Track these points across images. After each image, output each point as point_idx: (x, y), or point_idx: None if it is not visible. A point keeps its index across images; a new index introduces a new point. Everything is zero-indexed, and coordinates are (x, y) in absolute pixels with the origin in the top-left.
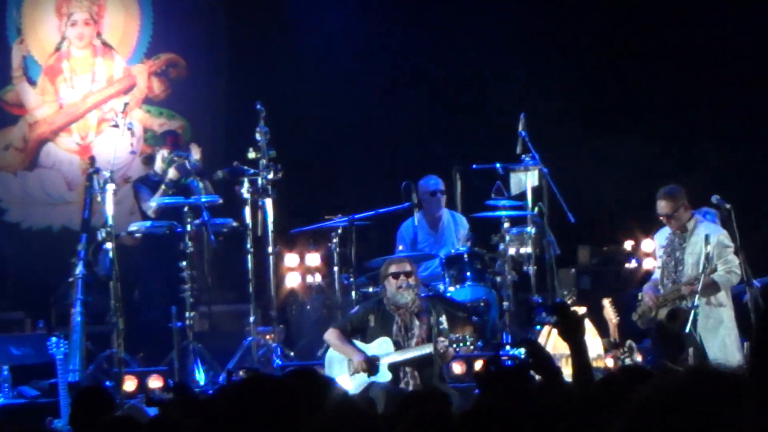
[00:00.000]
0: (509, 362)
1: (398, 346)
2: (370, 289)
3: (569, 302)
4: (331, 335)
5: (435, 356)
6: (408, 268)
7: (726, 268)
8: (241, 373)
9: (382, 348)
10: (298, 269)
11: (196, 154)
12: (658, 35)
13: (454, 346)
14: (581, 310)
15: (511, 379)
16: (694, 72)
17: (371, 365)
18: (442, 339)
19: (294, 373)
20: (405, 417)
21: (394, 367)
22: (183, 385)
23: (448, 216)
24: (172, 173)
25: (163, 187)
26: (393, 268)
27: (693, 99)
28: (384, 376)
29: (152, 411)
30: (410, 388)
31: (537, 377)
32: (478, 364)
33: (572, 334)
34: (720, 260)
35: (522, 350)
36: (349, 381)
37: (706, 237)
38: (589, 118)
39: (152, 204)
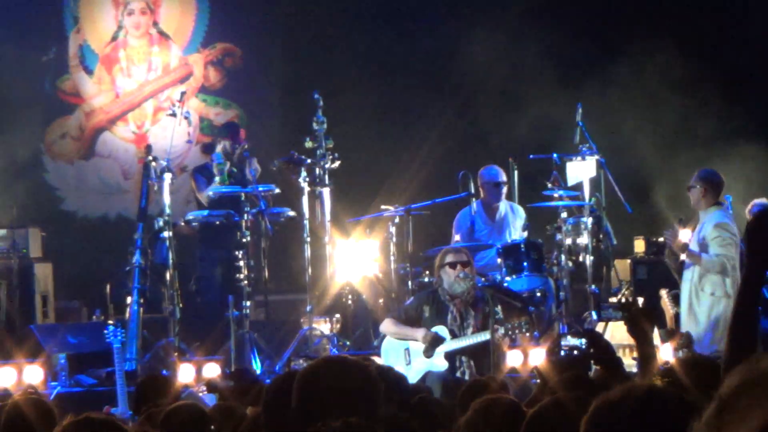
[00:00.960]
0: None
1: (454, 336)
2: (426, 279)
3: (626, 293)
4: (387, 325)
5: (491, 344)
6: (465, 258)
7: (717, 252)
8: (300, 361)
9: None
10: (355, 259)
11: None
12: (720, 20)
13: (510, 334)
14: (639, 301)
15: (572, 369)
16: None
17: (437, 337)
18: (496, 327)
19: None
20: (466, 406)
21: (450, 356)
22: (243, 371)
23: (505, 206)
24: (218, 149)
25: (218, 178)
26: (450, 258)
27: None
28: (440, 364)
29: (210, 399)
30: (466, 377)
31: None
32: (535, 355)
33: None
34: (714, 243)
35: (582, 341)
36: (405, 371)
37: (712, 222)
38: (643, 107)
39: (209, 193)
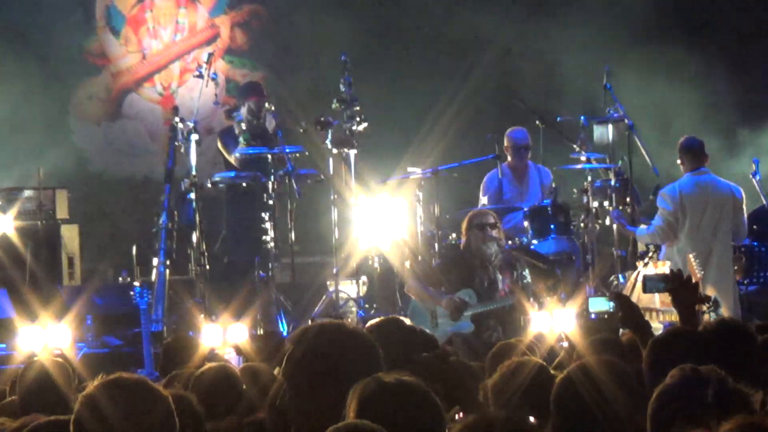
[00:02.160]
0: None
1: (481, 298)
2: (454, 241)
3: (654, 256)
4: (413, 287)
5: (517, 309)
6: (492, 219)
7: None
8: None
9: (465, 299)
10: (381, 221)
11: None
12: None
13: (540, 298)
14: (666, 264)
15: (599, 332)
16: None
17: (461, 304)
18: (526, 293)
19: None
20: (493, 369)
21: (476, 318)
22: (270, 333)
23: (533, 168)
24: (244, 116)
25: (241, 139)
26: (477, 220)
27: None
28: (467, 326)
29: (237, 361)
30: (492, 339)
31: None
32: (563, 317)
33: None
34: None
35: (611, 303)
36: (432, 332)
37: None
38: (673, 70)
39: (236, 154)
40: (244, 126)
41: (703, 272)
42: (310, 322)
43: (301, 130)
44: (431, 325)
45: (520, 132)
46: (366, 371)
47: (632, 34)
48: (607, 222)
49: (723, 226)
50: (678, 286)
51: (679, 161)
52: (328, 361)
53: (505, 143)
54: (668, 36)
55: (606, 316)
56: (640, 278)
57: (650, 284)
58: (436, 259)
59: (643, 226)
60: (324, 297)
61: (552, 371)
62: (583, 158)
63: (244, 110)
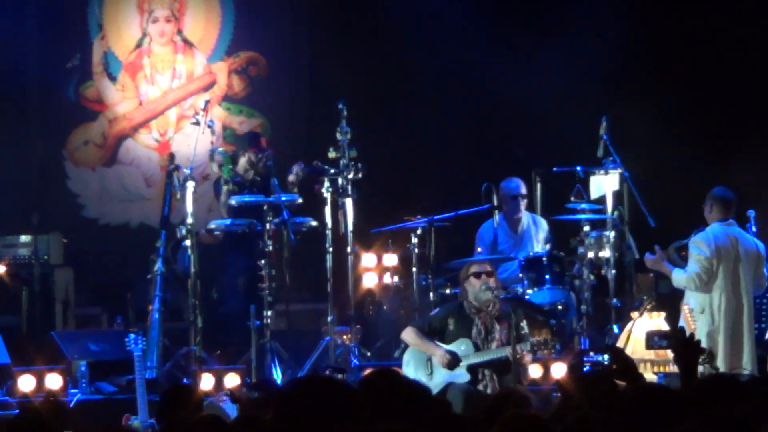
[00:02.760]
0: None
1: (478, 349)
2: (448, 291)
3: (648, 307)
4: (409, 333)
5: (512, 360)
6: (489, 268)
7: (686, 268)
8: (326, 372)
9: (461, 349)
10: (377, 269)
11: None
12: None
13: (535, 350)
14: (661, 316)
15: (595, 385)
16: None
17: (455, 359)
18: (522, 345)
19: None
20: (489, 422)
21: (472, 369)
22: (265, 381)
23: (528, 218)
24: (242, 165)
25: (225, 186)
26: (474, 268)
27: None
28: (463, 376)
29: (231, 408)
30: (488, 390)
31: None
32: (557, 368)
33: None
34: (689, 258)
35: (605, 356)
36: (427, 382)
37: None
38: (669, 121)
39: (232, 202)
40: (222, 170)
41: (696, 325)
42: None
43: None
44: (426, 373)
45: (514, 182)
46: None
47: (629, 80)
48: (603, 272)
49: (749, 277)
50: (681, 344)
51: (706, 207)
52: (315, 417)
53: (501, 193)
54: (665, 81)
55: (601, 368)
56: (634, 329)
57: (653, 341)
58: (431, 309)
59: (680, 269)
60: (319, 344)
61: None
62: (579, 208)
63: (243, 160)
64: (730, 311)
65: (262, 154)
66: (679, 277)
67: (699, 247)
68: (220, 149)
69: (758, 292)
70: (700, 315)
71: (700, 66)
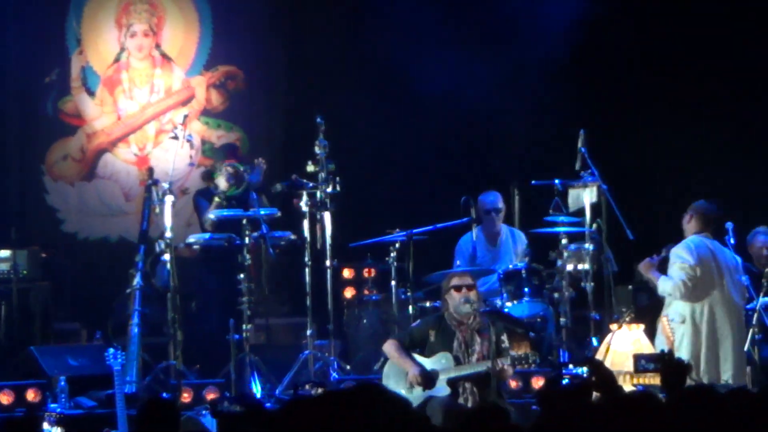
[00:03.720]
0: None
1: (458, 362)
2: (428, 304)
3: (627, 320)
4: (389, 346)
5: (492, 374)
6: (470, 281)
7: (669, 275)
8: (307, 386)
9: (441, 363)
10: (356, 283)
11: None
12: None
13: (516, 364)
14: (640, 328)
15: (573, 398)
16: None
17: (428, 379)
18: (501, 361)
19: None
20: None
21: (453, 383)
22: (249, 397)
23: (506, 232)
24: (222, 184)
25: (216, 199)
26: (455, 281)
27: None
28: (443, 390)
29: (210, 423)
30: (469, 404)
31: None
32: (537, 381)
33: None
34: (670, 267)
35: (584, 369)
36: (407, 395)
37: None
38: (646, 134)
39: (210, 216)
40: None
41: (676, 335)
42: (293, 390)
43: (275, 192)
44: (406, 387)
45: (491, 195)
46: None
47: (607, 93)
48: (582, 284)
49: (733, 288)
50: (669, 368)
51: (686, 217)
52: None
53: (478, 207)
54: (644, 94)
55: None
56: (613, 341)
57: (640, 365)
58: (411, 322)
59: (667, 277)
60: (298, 358)
61: None
62: (557, 221)
63: (221, 178)
64: (712, 322)
65: (234, 165)
66: (665, 285)
67: (681, 255)
68: (231, 167)
69: (744, 303)
70: (681, 325)
71: (678, 79)
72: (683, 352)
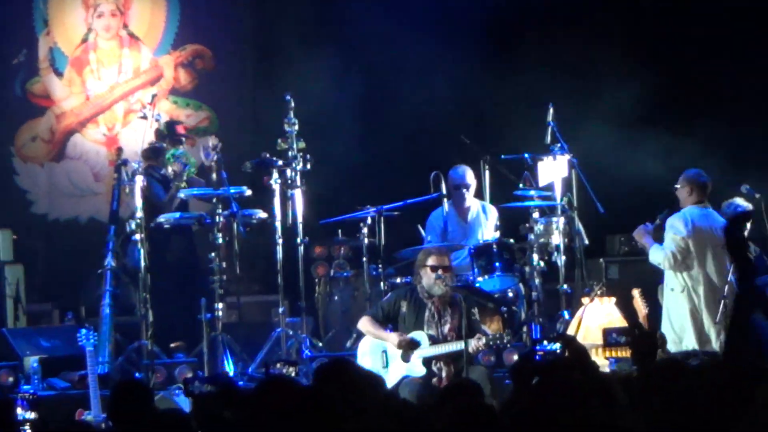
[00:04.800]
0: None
1: (432, 339)
2: (399, 280)
3: (599, 293)
4: (364, 323)
5: (465, 352)
6: (447, 262)
7: (663, 246)
8: (279, 365)
9: (415, 342)
10: (327, 260)
11: (213, 142)
12: (698, 20)
13: (490, 343)
14: (611, 301)
15: (547, 374)
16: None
17: (412, 342)
18: (478, 336)
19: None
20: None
21: (427, 362)
22: (222, 376)
23: (477, 206)
24: (172, 168)
25: (174, 185)
26: (432, 261)
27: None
28: (418, 369)
29: (184, 402)
30: (443, 375)
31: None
32: (510, 357)
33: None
34: (665, 238)
35: (558, 345)
36: (383, 374)
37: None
38: (619, 107)
39: (181, 195)
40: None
41: (648, 308)
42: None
43: (245, 171)
44: (382, 366)
45: (460, 170)
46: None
47: (573, 68)
48: (553, 258)
49: (727, 260)
50: (639, 340)
51: (684, 190)
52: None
53: (448, 182)
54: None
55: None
56: (585, 315)
57: (611, 338)
58: (382, 298)
59: (659, 246)
60: (270, 336)
61: (499, 412)
62: (528, 195)
63: (203, 155)
64: (706, 291)
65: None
66: (656, 254)
67: (676, 226)
68: (179, 151)
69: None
70: (680, 294)
71: (648, 51)
72: (675, 321)
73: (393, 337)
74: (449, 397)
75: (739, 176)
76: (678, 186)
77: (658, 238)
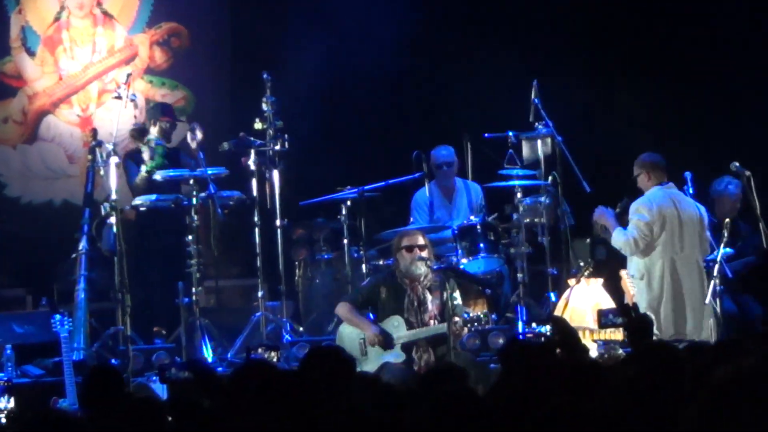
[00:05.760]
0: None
1: (410, 325)
2: (381, 262)
3: (586, 274)
4: (342, 309)
5: (449, 335)
6: (421, 241)
7: (627, 228)
8: (259, 350)
9: (393, 326)
10: (307, 243)
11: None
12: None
13: (469, 326)
14: (599, 282)
15: (537, 357)
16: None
17: (387, 339)
18: (456, 319)
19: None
20: (424, 396)
21: (406, 346)
22: (200, 362)
23: (461, 186)
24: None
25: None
26: (406, 242)
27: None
28: (397, 355)
29: (161, 389)
30: (422, 363)
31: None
32: (493, 338)
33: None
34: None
35: (546, 327)
36: (361, 361)
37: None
38: (604, 84)
39: (157, 176)
40: (160, 145)
41: (635, 290)
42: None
43: (223, 151)
44: (360, 353)
45: (443, 149)
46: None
47: (560, 44)
48: (539, 239)
49: (694, 241)
50: (635, 321)
51: (642, 176)
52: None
53: (431, 161)
54: (599, 45)
55: (543, 339)
56: (572, 296)
57: (606, 319)
58: (364, 281)
59: (622, 229)
60: (250, 321)
61: (484, 397)
62: (512, 174)
63: (155, 130)
64: (674, 276)
65: (174, 126)
66: (618, 238)
67: (639, 212)
68: (159, 140)
69: (705, 257)
70: (640, 281)
71: (633, 25)
72: (642, 308)
73: (368, 332)
74: (430, 382)
75: (731, 153)
76: (635, 174)
77: (623, 224)
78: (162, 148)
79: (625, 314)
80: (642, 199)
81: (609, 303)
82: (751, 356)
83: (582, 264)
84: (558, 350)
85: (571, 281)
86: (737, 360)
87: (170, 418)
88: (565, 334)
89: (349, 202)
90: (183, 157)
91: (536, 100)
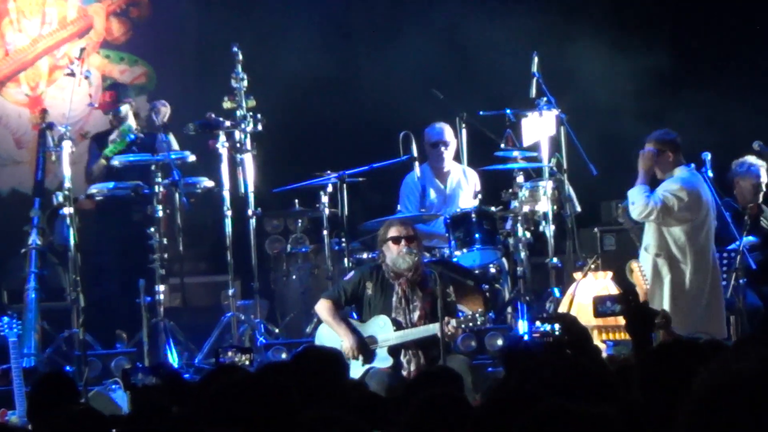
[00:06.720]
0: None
1: (398, 326)
2: (365, 255)
3: (593, 267)
4: (322, 308)
5: (441, 338)
6: (410, 231)
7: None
8: (230, 354)
9: (379, 327)
10: (282, 234)
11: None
12: None
13: (463, 326)
14: (608, 276)
15: (543, 358)
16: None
17: (365, 351)
18: (447, 320)
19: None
20: (413, 401)
21: (394, 349)
22: (167, 366)
23: (458, 171)
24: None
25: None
26: (393, 232)
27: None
28: (383, 360)
29: (121, 398)
30: (412, 367)
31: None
32: (491, 338)
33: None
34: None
35: (556, 326)
36: None
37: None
38: (611, 57)
39: (115, 162)
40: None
41: (649, 283)
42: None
43: (188, 133)
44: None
45: (437, 126)
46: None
47: (563, 15)
48: (541, 228)
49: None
50: (633, 309)
51: (664, 155)
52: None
53: (423, 141)
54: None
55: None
56: (578, 292)
57: (602, 307)
58: (346, 275)
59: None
60: (219, 322)
61: (474, 404)
62: (510, 156)
63: (125, 108)
64: (692, 271)
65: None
66: (639, 193)
67: (677, 193)
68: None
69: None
70: (663, 267)
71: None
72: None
73: (345, 343)
74: (416, 388)
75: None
76: (652, 152)
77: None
78: (127, 132)
79: (623, 301)
80: (676, 179)
81: None
82: (745, 360)
83: (588, 256)
84: (567, 351)
85: (577, 275)
86: (726, 363)
87: None
88: (575, 333)
89: (329, 189)
90: (163, 138)
91: (537, 74)
